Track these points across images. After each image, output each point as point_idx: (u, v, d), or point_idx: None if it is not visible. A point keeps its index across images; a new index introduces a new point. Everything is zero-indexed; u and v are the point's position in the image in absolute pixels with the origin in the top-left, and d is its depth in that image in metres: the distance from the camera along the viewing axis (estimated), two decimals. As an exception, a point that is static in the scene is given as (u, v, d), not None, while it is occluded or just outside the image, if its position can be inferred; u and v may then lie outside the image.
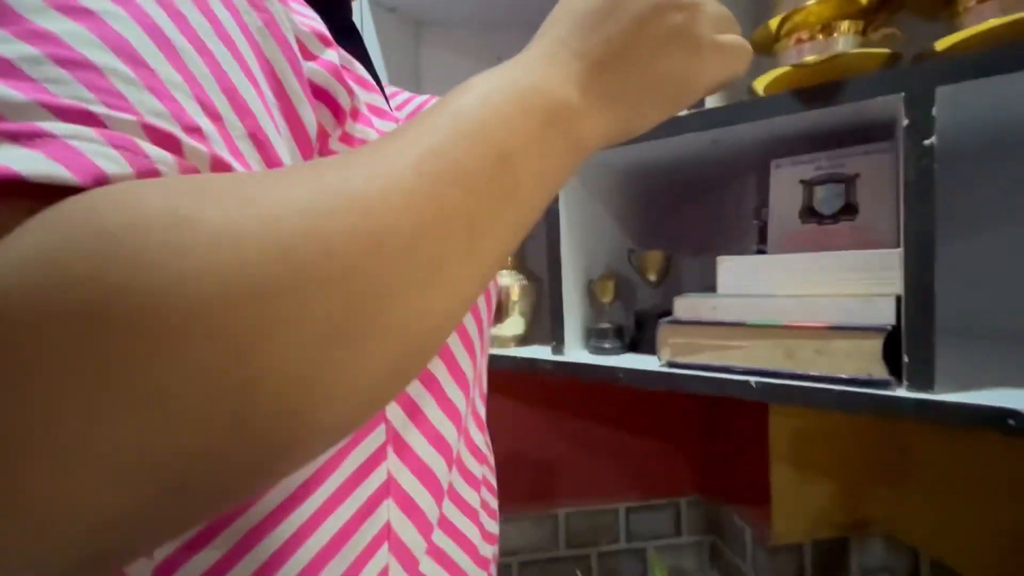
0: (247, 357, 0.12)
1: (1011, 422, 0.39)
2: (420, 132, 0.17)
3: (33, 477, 0.11)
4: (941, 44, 0.44)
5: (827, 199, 0.53)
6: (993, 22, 0.41)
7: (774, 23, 0.50)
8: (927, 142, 0.42)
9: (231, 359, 0.12)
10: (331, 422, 0.15)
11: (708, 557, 1.09)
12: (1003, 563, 0.65)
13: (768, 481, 0.91)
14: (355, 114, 0.23)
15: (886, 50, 0.47)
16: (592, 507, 1.05)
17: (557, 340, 0.67)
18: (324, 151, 0.22)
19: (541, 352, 0.70)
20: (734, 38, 0.27)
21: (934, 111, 0.42)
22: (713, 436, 1.06)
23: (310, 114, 0.21)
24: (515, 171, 0.19)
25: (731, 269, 0.55)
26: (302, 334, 0.13)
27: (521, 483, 1.01)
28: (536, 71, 0.21)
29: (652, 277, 0.68)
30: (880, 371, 0.44)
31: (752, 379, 0.49)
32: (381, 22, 0.96)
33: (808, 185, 0.54)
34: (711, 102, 0.55)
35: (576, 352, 0.69)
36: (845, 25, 0.47)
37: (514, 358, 0.70)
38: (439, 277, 0.16)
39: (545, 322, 0.70)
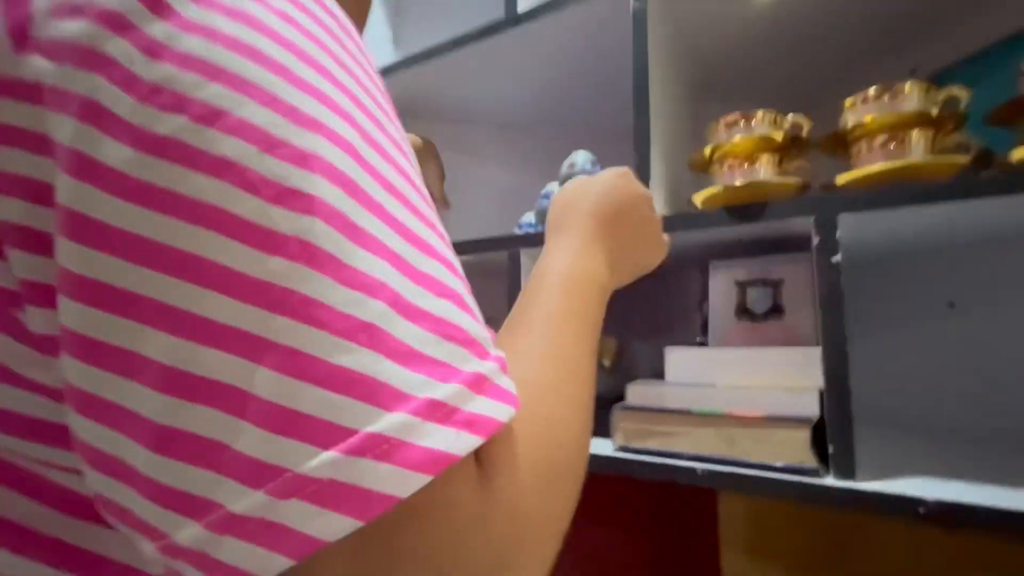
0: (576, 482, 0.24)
1: (921, 510, 0.43)
2: (567, 337, 0.28)
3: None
4: (840, 179, 0.53)
5: (757, 299, 0.60)
6: (879, 166, 0.51)
7: (707, 151, 0.59)
8: (834, 259, 0.49)
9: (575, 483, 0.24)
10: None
11: (662, 653, 1.05)
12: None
13: (719, 567, 0.92)
14: None
15: (798, 180, 0.56)
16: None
17: (516, 422, 0.69)
18: None
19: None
20: (668, 238, 0.45)
21: (838, 234, 0.50)
22: (665, 523, 1.06)
23: None
24: (596, 331, 0.31)
25: (678, 359, 0.60)
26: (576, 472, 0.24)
27: None
28: (590, 260, 0.34)
29: (606, 362, 0.72)
30: (810, 460, 0.49)
31: (698, 466, 0.53)
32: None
33: (741, 286, 0.61)
34: (659, 210, 0.62)
35: (534, 434, 0.70)
36: (765, 157, 0.57)
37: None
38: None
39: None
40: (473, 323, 0.19)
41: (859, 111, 0.53)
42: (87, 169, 0.14)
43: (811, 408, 0.50)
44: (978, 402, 0.67)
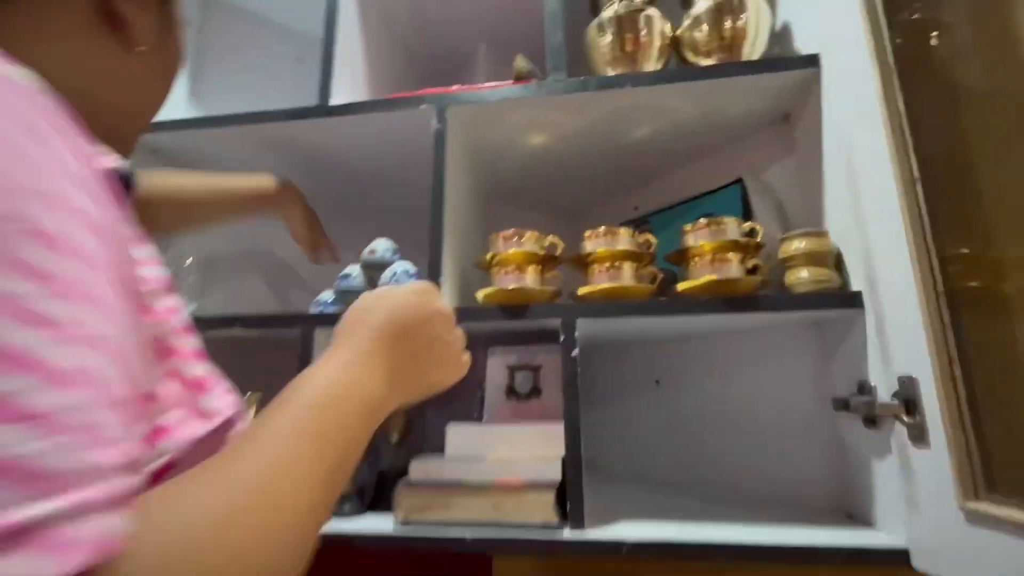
0: None
1: (624, 549, 0.57)
2: (299, 437, 0.27)
3: None
4: (580, 291, 0.70)
5: (522, 382, 0.72)
6: (604, 285, 0.69)
7: (488, 257, 0.72)
8: (573, 354, 0.64)
9: None
10: None
11: None
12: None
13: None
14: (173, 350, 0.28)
15: (553, 288, 0.71)
16: None
17: (297, 505, 0.67)
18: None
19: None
20: (467, 358, 0.45)
21: (576, 335, 0.65)
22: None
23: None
24: (350, 448, 0.30)
25: (457, 435, 0.67)
26: None
27: None
28: (361, 375, 0.33)
29: (394, 437, 0.76)
30: (553, 517, 0.60)
31: (467, 533, 0.60)
32: (142, 162, 0.93)
33: (511, 370, 0.73)
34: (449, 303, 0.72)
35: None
36: (531, 268, 0.71)
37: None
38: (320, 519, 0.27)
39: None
40: (49, 449, 0.17)
41: (593, 242, 0.72)
42: None
43: (556, 473, 0.62)
44: (674, 457, 0.90)
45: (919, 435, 0.52)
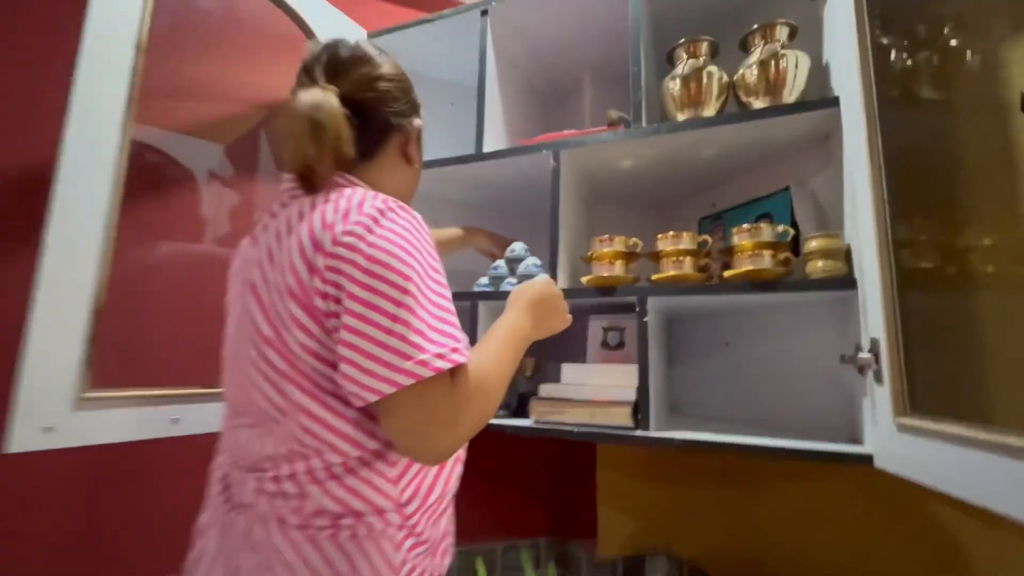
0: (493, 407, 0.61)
1: (674, 442, 0.90)
2: (504, 348, 0.67)
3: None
4: (654, 277, 1.02)
5: (613, 338, 1.06)
6: (671, 273, 0.99)
7: (589, 253, 1.06)
8: (644, 320, 0.97)
9: (493, 407, 0.61)
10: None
11: (558, 583, 1.48)
12: (734, 560, 1.16)
13: (596, 519, 1.37)
14: None
15: (634, 276, 1.04)
16: (471, 547, 1.41)
17: (471, 409, 1.10)
18: None
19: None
20: (570, 316, 0.81)
21: (648, 307, 0.97)
22: (562, 490, 1.51)
23: None
24: (519, 356, 0.69)
25: (568, 370, 1.04)
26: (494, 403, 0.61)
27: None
28: (523, 323, 0.72)
29: (528, 373, 1.16)
30: (629, 423, 0.94)
31: (574, 429, 0.97)
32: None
33: (604, 330, 1.07)
34: (561, 285, 1.08)
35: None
36: (619, 261, 1.04)
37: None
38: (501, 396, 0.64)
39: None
40: (457, 331, 0.56)
41: (663, 242, 1.03)
42: (353, 280, 0.54)
43: (632, 396, 0.96)
44: (735, 400, 1.18)
45: (879, 377, 0.77)
